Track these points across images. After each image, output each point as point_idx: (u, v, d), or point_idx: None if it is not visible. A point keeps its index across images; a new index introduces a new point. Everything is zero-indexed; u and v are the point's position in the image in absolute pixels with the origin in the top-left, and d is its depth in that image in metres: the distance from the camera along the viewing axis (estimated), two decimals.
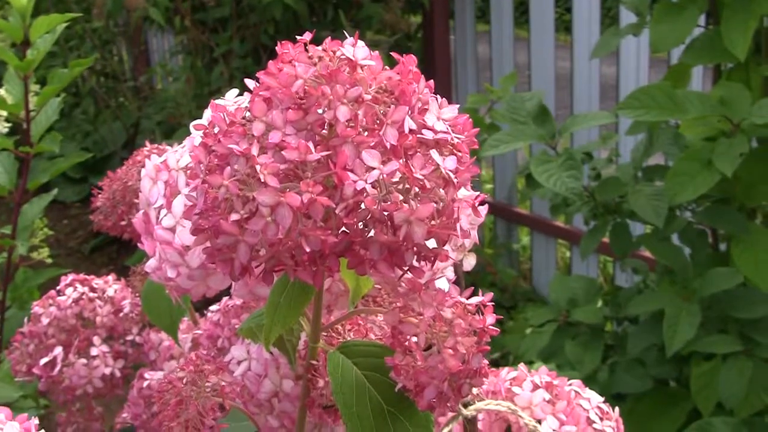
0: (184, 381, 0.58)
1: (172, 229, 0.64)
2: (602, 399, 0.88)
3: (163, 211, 0.66)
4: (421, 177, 0.44)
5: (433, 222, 0.45)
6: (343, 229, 0.45)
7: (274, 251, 0.43)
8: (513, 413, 0.79)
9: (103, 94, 4.56)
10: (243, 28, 3.37)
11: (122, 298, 1.12)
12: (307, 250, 0.43)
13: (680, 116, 1.85)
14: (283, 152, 0.43)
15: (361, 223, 0.44)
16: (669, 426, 2.06)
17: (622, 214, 2.04)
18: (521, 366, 0.87)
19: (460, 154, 0.47)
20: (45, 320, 1.11)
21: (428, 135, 0.46)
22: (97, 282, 1.13)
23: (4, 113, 2.15)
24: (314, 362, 0.58)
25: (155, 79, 4.77)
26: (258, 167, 0.43)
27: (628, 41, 2.97)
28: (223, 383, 0.58)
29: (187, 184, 0.66)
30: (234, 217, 0.43)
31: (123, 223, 0.94)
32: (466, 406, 0.78)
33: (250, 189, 0.43)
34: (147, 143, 1.00)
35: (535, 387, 0.83)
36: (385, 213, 0.44)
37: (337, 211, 0.43)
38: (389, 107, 0.46)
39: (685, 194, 1.80)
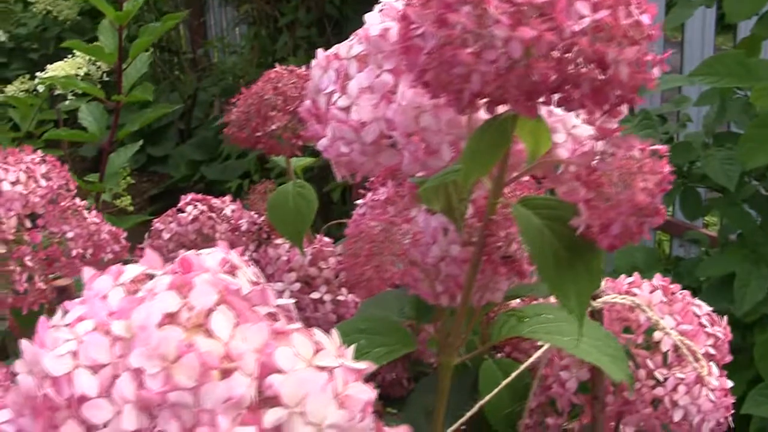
0: (377, 229, 0.64)
1: (346, 109, 0.70)
2: (711, 308, 0.93)
3: (336, 95, 0.72)
4: (625, 24, 0.50)
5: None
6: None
7: (502, 81, 0.49)
8: (636, 307, 0.84)
9: (161, 66, 4.64)
10: None
11: (239, 217, 1.18)
12: (534, 79, 0.49)
13: (753, 83, 1.89)
14: None
15: (573, 65, 0.50)
16: None
17: (692, 179, 2.09)
18: (636, 273, 0.92)
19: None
20: (166, 235, 1.18)
21: None
22: (215, 201, 1.20)
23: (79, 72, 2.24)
24: (493, 217, 0.64)
25: (212, 53, 4.85)
26: (490, 8, 0.48)
27: (693, 30, 3.01)
28: (415, 230, 0.64)
29: (359, 70, 0.72)
30: (469, 50, 0.49)
31: (258, 134, 1.00)
32: (594, 299, 0.84)
33: (481, 28, 0.48)
34: (276, 65, 1.06)
35: (653, 289, 0.88)
36: (596, 54, 0.49)
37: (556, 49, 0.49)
38: None
39: (756, 160, 1.84)
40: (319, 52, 0.75)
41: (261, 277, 0.56)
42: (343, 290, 1.04)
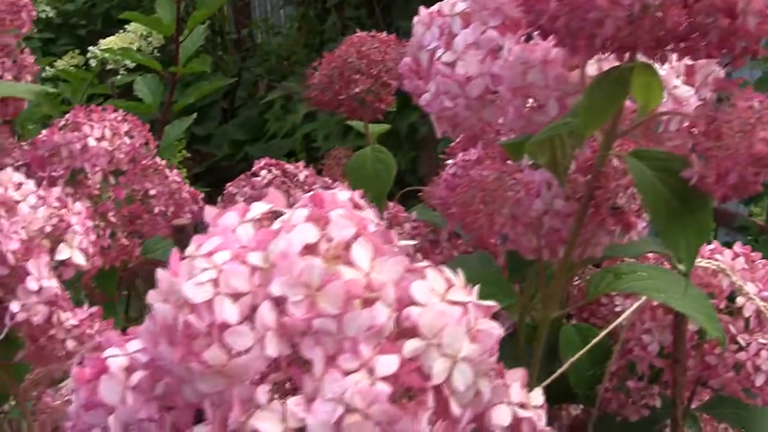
0: (491, 178, 0.65)
1: (452, 65, 0.71)
2: None
3: (440, 51, 0.73)
4: None
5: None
6: None
7: (634, 28, 0.50)
8: (720, 272, 0.85)
9: (205, 45, 4.65)
10: None
11: (312, 182, 1.19)
12: (665, 26, 0.50)
13: None
14: None
15: (702, 14, 0.51)
16: None
17: None
18: (715, 241, 0.93)
19: None
20: (240, 199, 1.19)
21: None
22: (289, 166, 1.21)
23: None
24: (603, 170, 0.64)
25: (255, 34, 4.87)
26: None
27: None
28: (527, 179, 0.65)
29: (462, 27, 0.73)
30: None
31: (341, 97, 1.01)
32: (680, 262, 0.84)
33: None
34: (358, 30, 1.07)
35: (735, 256, 0.89)
36: (725, 3, 0.50)
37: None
38: None
39: None
40: (422, 9, 0.76)
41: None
42: (419, 255, 1.05)
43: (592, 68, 0.65)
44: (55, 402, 0.85)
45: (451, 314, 0.47)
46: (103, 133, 1.00)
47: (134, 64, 2.42)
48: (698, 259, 0.85)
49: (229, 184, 1.21)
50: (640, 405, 0.89)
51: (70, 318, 0.71)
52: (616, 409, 0.89)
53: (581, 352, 0.86)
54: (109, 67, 2.60)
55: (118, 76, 2.59)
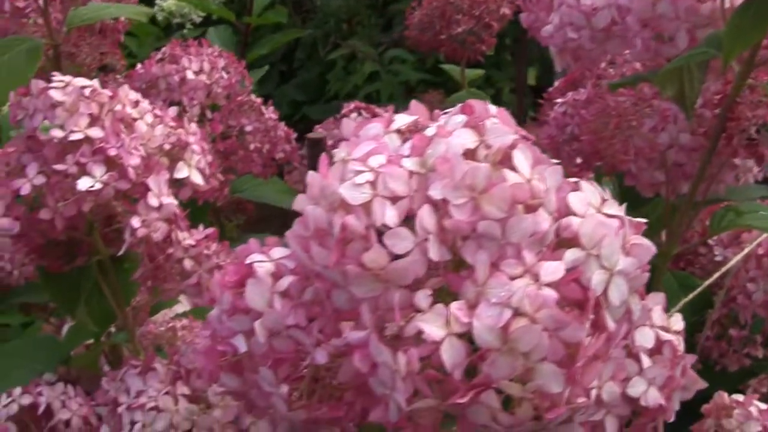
0: (627, 104, 0.64)
1: None
2: None
3: None
4: None
5: None
6: None
7: None
8: None
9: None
10: None
11: None
12: None
13: None
14: None
15: None
16: None
17: None
18: None
19: None
20: (329, 141, 1.19)
21: None
22: (378, 110, 1.20)
23: None
24: (738, 100, 0.63)
25: None
26: None
27: None
28: (663, 106, 0.64)
29: None
30: None
31: (441, 37, 1.00)
32: None
33: None
34: None
35: None
36: None
37: None
38: None
39: None
40: None
41: None
42: None
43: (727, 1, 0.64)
44: (158, 329, 0.85)
45: (610, 226, 0.46)
46: (201, 66, 1.00)
47: (200, 19, 2.42)
48: None
49: (317, 126, 1.21)
50: (742, 354, 0.88)
51: (187, 238, 0.71)
52: (717, 358, 0.88)
53: (684, 301, 0.85)
54: (175, 21, 2.59)
55: (185, 30, 2.59)
